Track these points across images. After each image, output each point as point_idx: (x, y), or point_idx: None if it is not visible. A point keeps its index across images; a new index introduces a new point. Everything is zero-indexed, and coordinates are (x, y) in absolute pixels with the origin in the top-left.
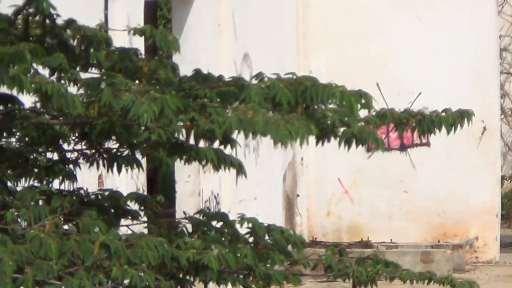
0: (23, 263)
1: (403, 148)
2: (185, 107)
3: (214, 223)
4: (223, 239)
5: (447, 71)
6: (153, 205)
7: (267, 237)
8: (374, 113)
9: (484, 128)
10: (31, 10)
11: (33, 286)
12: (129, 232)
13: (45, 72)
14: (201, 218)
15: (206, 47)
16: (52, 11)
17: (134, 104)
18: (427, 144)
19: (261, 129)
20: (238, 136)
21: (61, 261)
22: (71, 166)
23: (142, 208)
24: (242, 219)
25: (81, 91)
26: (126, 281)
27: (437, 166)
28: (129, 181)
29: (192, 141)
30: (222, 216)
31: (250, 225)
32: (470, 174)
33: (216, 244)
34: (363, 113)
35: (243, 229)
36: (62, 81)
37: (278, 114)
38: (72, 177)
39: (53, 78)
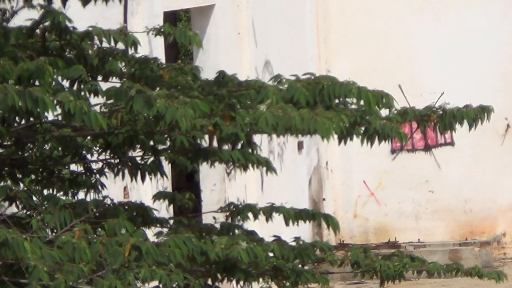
0: (54, 269)
1: (427, 148)
2: (211, 111)
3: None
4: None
5: (470, 71)
6: (183, 200)
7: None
8: (395, 112)
9: (508, 126)
10: (47, 23)
11: None
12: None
13: (65, 83)
14: (231, 208)
15: (227, 56)
16: (68, 24)
17: (168, 110)
18: (451, 143)
19: (299, 125)
20: (261, 143)
21: (89, 265)
22: (96, 176)
23: (171, 206)
24: (272, 208)
25: (103, 100)
26: (155, 282)
27: (462, 165)
28: (154, 192)
29: (215, 145)
30: (251, 208)
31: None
32: (495, 171)
33: (244, 240)
34: (384, 113)
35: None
36: (82, 93)
37: (306, 111)
38: (97, 188)
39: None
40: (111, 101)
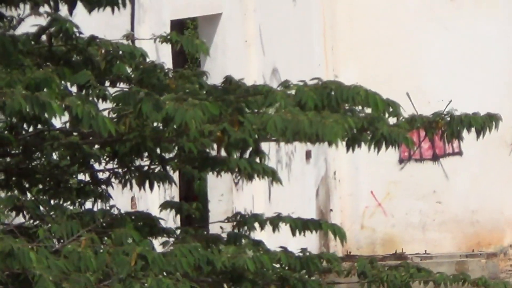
0: (60, 279)
1: (435, 158)
2: (219, 115)
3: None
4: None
5: (477, 79)
6: (190, 210)
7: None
8: (403, 120)
9: None
10: (53, 29)
11: None
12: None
13: (73, 89)
14: (237, 219)
15: (234, 64)
16: (75, 30)
17: (178, 112)
18: (459, 153)
19: (307, 129)
20: (269, 152)
21: (96, 274)
22: (103, 186)
23: (178, 215)
24: (278, 218)
25: (111, 105)
26: None
27: (469, 176)
28: (162, 202)
29: (223, 153)
30: (257, 218)
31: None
32: (503, 182)
33: (251, 249)
34: (392, 121)
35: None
36: (90, 98)
37: (313, 114)
38: (104, 198)
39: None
40: (119, 106)
